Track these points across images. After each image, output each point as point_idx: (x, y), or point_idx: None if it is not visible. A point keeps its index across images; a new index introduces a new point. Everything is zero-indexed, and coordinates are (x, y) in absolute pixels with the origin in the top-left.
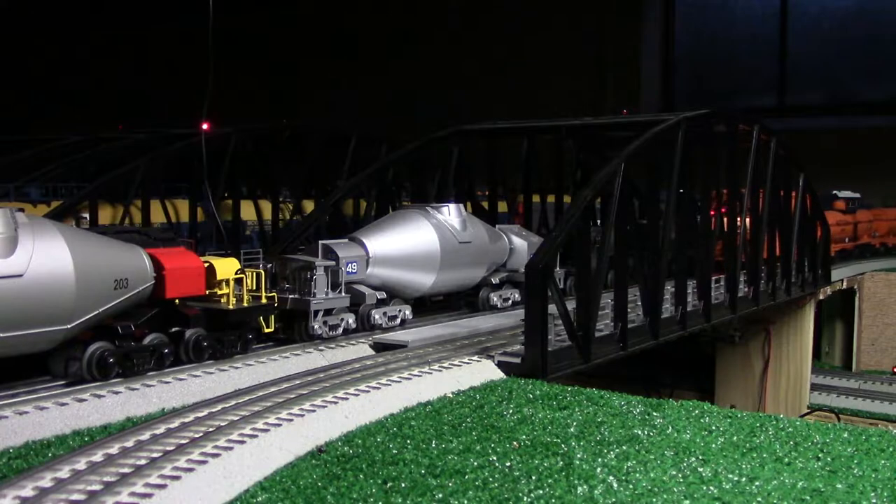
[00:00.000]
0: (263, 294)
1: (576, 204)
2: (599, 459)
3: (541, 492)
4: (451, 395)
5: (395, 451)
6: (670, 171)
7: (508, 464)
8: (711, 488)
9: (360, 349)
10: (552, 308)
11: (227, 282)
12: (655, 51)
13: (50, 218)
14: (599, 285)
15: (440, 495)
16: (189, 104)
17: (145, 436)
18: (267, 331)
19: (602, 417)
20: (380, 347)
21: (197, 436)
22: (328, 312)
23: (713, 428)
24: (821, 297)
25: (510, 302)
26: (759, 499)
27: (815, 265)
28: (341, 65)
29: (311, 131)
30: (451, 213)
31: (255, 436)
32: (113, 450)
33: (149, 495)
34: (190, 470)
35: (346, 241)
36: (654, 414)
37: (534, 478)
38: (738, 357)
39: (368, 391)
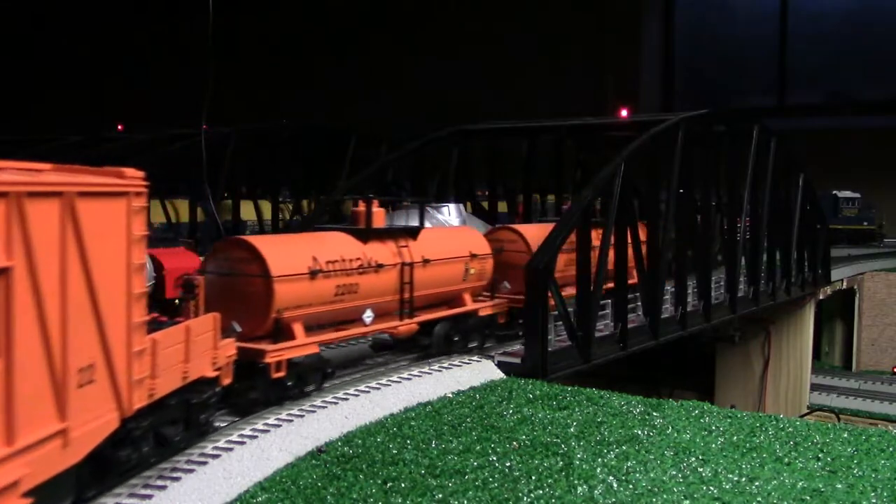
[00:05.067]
0: None
1: (576, 204)
2: (599, 459)
3: (541, 492)
4: (451, 395)
5: (395, 452)
6: (670, 171)
7: (508, 464)
8: (711, 488)
9: (360, 347)
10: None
11: None
12: (655, 51)
13: None
14: (599, 285)
15: (440, 495)
16: (189, 104)
17: None
18: None
19: (602, 417)
20: (378, 346)
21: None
22: None
23: (713, 428)
24: (821, 297)
25: None
26: (759, 499)
27: (815, 265)
28: (342, 64)
29: (311, 131)
30: (451, 213)
31: (255, 436)
32: None
33: (149, 496)
34: (190, 470)
35: None
36: (654, 414)
37: (534, 478)
38: (738, 357)
39: (368, 391)
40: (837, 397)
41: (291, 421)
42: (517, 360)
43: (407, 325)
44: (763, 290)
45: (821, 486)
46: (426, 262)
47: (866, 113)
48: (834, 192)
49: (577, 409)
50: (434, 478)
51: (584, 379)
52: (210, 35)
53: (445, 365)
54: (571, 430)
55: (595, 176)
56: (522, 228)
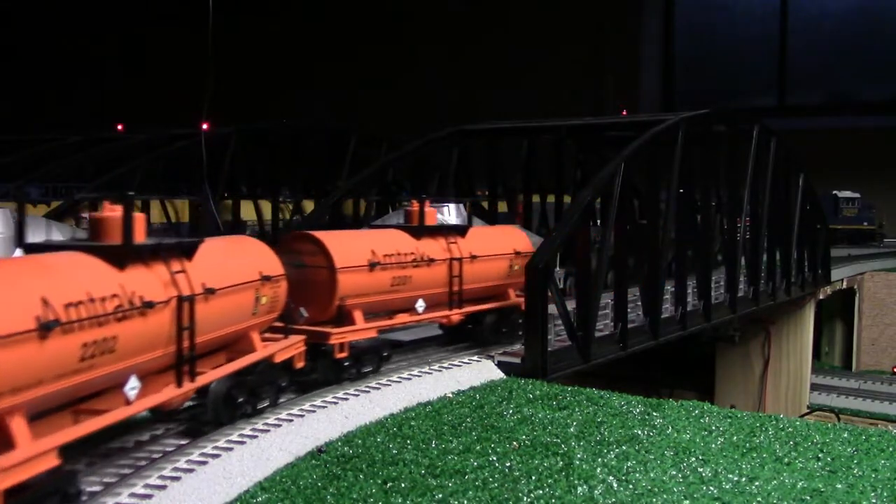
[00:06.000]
0: None
1: (576, 204)
2: (599, 459)
3: (541, 492)
4: (451, 395)
5: (395, 452)
6: (670, 171)
7: (508, 464)
8: (711, 488)
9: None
10: (552, 308)
11: None
12: (655, 51)
13: (50, 218)
14: (599, 285)
15: (440, 495)
16: (189, 104)
17: (145, 436)
18: None
19: (602, 417)
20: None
21: (196, 436)
22: None
23: (713, 428)
24: (821, 297)
25: None
26: (759, 499)
27: (815, 265)
28: (342, 65)
29: (311, 131)
30: (451, 213)
31: (255, 436)
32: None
33: (149, 496)
34: (190, 470)
35: None
36: (654, 414)
37: (534, 478)
38: (738, 357)
39: (368, 391)
40: (837, 397)
41: (291, 421)
42: (517, 360)
43: (184, 393)
44: (763, 290)
45: (821, 486)
46: (209, 293)
47: (866, 113)
48: (834, 192)
49: (577, 409)
50: (434, 478)
51: (584, 379)
52: (210, 35)
53: (445, 365)
54: (571, 430)
55: (595, 176)
56: (326, 237)
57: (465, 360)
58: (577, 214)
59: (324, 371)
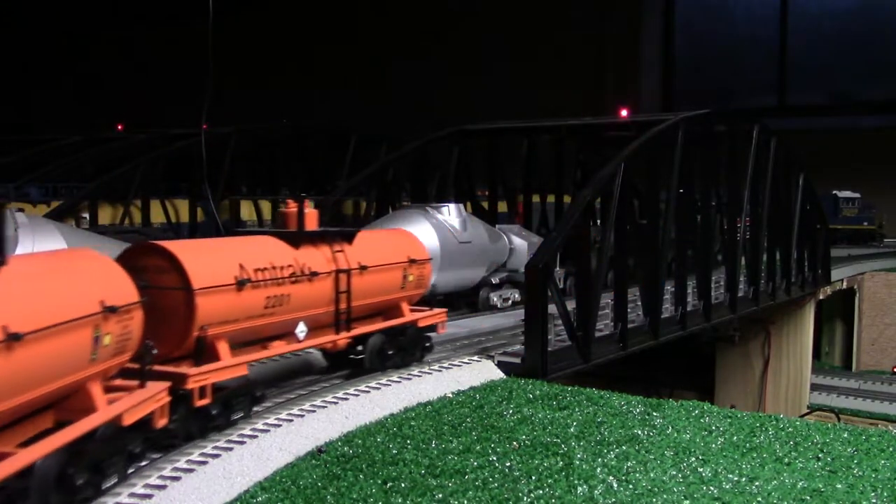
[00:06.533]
0: None
1: (576, 204)
2: (599, 459)
3: (541, 492)
4: (451, 395)
5: (395, 452)
6: (670, 171)
7: (508, 464)
8: (711, 488)
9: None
10: (552, 308)
11: None
12: (655, 51)
13: (50, 218)
14: (599, 285)
15: (440, 495)
16: (189, 104)
17: None
18: None
19: (602, 417)
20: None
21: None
22: None
23: (713, 428)
24: (821, 297)
25: (510, 302)
26: (759, 499)
27: (815, 265)
28: (343, 65)
29: (311, 131)
30: (451, 213)
31: (255, 436)
32: None
33: (149, 496)
34: (190, 470)
35: None
36: (654, 414)
37: (534, 478)
38: (738, 357)
39: (368, 391)
40: (837, 397)
41: (291, 421)
42: (517, 360)
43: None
44: (763, 290)
45: (821, 486)
46: (13, 339)
47: (866, 113)
48: (834, 192)
49: (577, 409)
50: (434, 478)
51: (584, 379)
52: (210, 34)
53: (445, 365)
54: (571, 430)
55: (595, 176)
56: (179, 248)
57: (465, 361)
58: (577, 214)
59: (182, 422)
